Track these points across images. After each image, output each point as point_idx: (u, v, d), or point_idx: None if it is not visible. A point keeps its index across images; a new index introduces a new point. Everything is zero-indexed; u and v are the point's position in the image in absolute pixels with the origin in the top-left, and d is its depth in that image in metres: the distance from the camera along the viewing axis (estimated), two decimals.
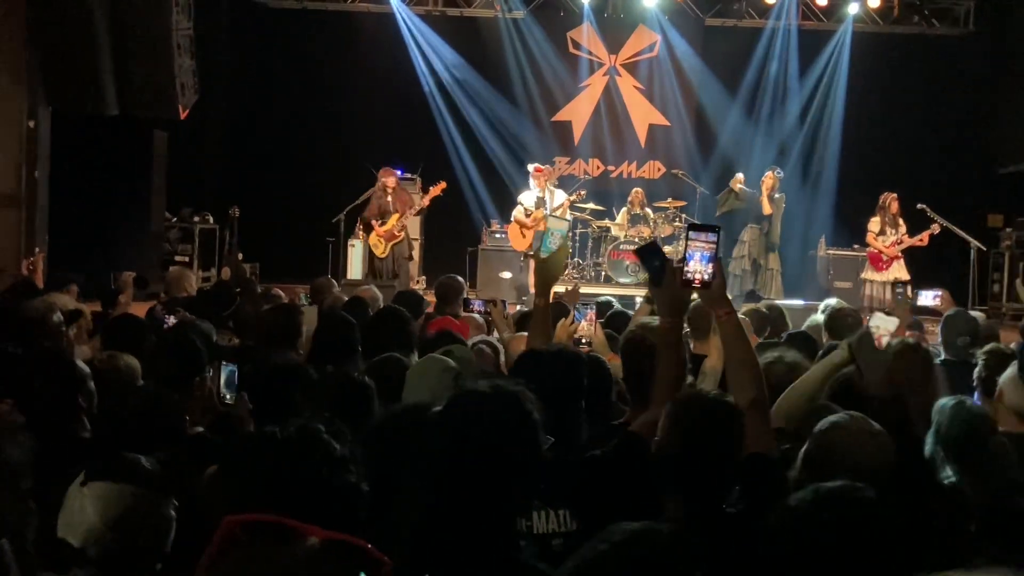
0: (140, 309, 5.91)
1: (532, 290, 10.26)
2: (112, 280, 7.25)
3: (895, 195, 11.01)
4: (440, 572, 1.65)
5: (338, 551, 0.93)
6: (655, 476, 2.16)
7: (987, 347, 4.02)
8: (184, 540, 1.88)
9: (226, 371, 3.41)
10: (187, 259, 12.04)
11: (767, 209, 11.15)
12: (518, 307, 8.00)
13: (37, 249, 9.15)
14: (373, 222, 11.08)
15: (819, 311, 5.79)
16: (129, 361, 3.57)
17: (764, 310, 5.47)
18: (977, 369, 3.88)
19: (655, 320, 2.96)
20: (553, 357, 2.60)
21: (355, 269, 11.87)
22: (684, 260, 2.51)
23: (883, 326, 3.01)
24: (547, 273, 3.57)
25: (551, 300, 3.63)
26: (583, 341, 4.00)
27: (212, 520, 1.13)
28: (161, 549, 1.88)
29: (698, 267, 2.49)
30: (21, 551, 1.31)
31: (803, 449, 2.47)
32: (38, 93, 9.63)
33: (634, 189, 12.57)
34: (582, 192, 11.75)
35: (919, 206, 10.90)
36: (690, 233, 2.56)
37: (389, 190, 11.07)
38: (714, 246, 2.50)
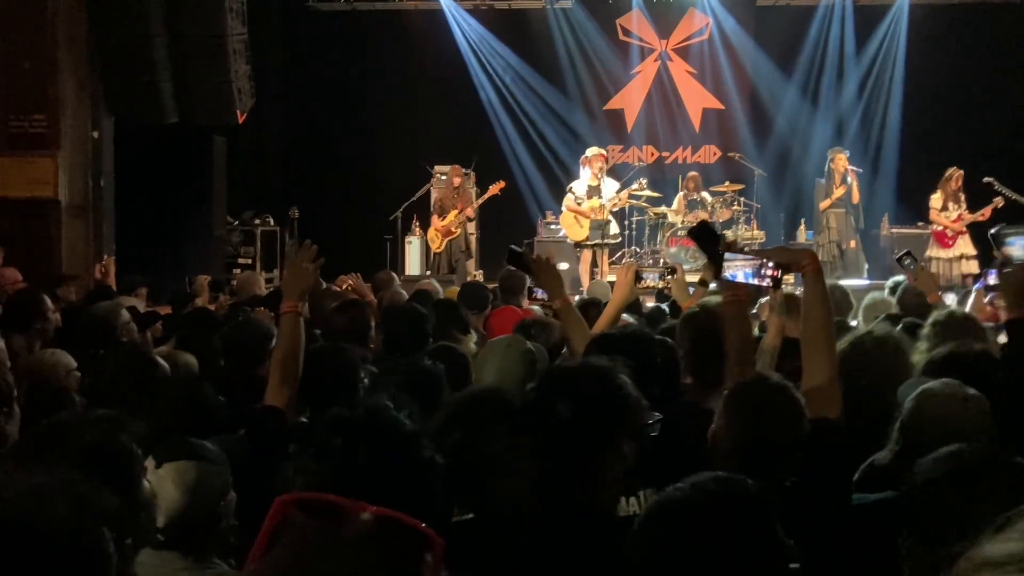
0: None
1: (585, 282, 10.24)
2: (188, 284, 7.41)
3: (960, 170, 10.72)
4: (542, 543, 1.67)
5: (391, 528, 0.91)
6: (713, 459, 2.17)
7: None
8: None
9: None
10: (250, 261, 12.28)
11: (856, 198, 11.03)
12: (576, 297, 8.01)
13: (106, 254, 9.39)
14: (433, 216, 11.36)
15: (886, 289, 5.67)
16: (187, 359, 3.69)
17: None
18: None
19: (715, 299, 2.94)
20: (624, 339, 2.60)
21: (413, 265, 12.01)
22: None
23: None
24: (551, 275, 3.62)
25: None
26: (665, 288, 4.09)
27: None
28: (231, 519, 1.98)
29: (754, 283, 2.52)
30: (120, 544, 1.34)
31: (899, 420, 2.42)
32: (100, 104, 9.88)
33: (689, 173, 12.35)
34: (643, 182, 11.60)
35: (985, 180, 10.61)
36: (725, 255, 2.61)
37: (455, 187, 11.45)
38: (752, 262, 2.52)
